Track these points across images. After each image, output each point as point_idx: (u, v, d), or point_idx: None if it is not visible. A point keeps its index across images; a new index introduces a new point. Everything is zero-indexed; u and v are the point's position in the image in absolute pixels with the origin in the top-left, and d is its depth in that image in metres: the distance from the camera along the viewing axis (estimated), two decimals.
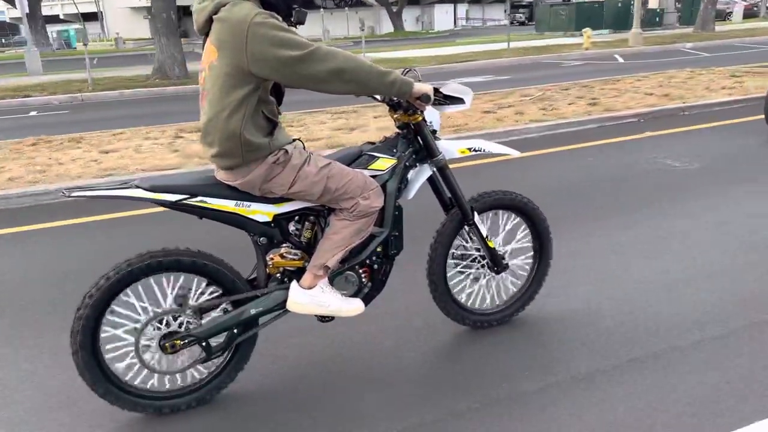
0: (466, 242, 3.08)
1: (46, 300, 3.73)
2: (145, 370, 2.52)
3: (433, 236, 2.97)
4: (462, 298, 3.18)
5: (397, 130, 2.81)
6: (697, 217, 4.62)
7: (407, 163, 2.75)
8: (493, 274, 3.12)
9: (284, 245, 2.61)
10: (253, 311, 2.56)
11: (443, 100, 2.71)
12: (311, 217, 2.63)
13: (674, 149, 6.66)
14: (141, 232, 4.88)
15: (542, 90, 10.84)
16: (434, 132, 2.82)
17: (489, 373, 2.80)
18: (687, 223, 4.52)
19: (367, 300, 2.77)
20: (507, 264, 3.11)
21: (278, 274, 2.63)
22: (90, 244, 4.71)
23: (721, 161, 6.12)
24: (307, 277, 2.55)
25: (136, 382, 2.57)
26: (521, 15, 51.94)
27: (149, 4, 16.50)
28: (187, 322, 2.49)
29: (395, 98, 2.65)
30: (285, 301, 2.59)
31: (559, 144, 7.20)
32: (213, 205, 2.40)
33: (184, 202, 2.36)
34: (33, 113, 12.50)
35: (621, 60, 17.42)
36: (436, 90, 2.67)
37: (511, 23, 52.42)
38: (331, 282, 2.65)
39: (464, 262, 3.11)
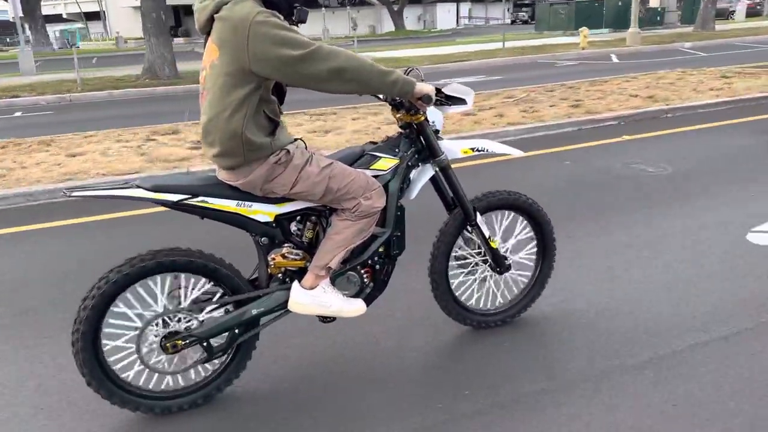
0: (469, 242, 3.06)
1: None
2: (147, 370, 2.52)
3: (436, 235, 2.96)
4: (464, 298, 3.17)
5: (400, 130, 2.80)
6: (658, 228, 4.47)
7: (410, 163, 2.75)
8: (496, 274, 3.11)
9: (286, 245, 2.60)
10: (254, 311, 2.55)
11: (445, 100, 2.71)
12: (313, 217, 2.62)
13: (651, 153, 6.50)
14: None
15: (527, 91, 10.66)
16: (437, 132, 2.81)
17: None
18: (649, 232, 4.38)
19: (368, 300, 2.76)
20: (509, 264, 3.10)
21: (280, 275, 2.62)
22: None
23: (697, 166, 5.95)
24: (308, 278, 2.54)
25: (137, 382, 2.56)
26: (524, 14, 51.76)
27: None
28: (188, 321, 2.48)
29: (397, 98, 2.63)
30: (286, 301, 2.58)
31: (536, 147, 7.04)
32: (214, 205, 2.39)
33: (186, 202, 2.35)
34: (18, 114, 12.41)
35: (616, 60, 17.22)
36: (438, 90, 2.66)
37: (513, 22, 52.48)
38: (333, 282, 2.64)
39: (466, 262, 3.09)
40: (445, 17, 50.97)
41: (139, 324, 2.45)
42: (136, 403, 2.50)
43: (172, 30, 48.55)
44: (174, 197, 2.34)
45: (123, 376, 2.52)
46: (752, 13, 35.96)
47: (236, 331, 2.55)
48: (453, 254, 3.02)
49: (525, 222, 3.18)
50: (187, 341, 2.46)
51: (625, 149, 6.77)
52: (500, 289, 3.28)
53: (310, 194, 2.44)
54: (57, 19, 51.68)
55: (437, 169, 2.84)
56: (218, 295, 2.55)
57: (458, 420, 2.49)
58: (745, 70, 12.06)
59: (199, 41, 38.88)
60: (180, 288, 2.49)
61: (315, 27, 36.82)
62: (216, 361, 2.62)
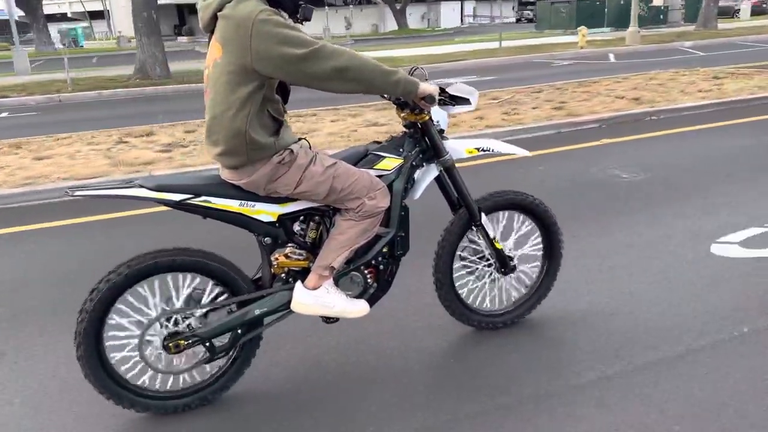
0: (473, 243, 3.03)
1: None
2: (149, 370, 2.51)
3: (441, 234, 2.93)
4: (468, 298, 3.13)
5: (404, 130, 2.77)
6: (620, 238, 4.29)
7: (414, 163, 2.72)
8: (501, 275, 3.08)
9: (289, 245, 2.59)
10: (257, 312, 2.54)
11: (449, 100, 2.69)
12: (316, 217, 2.59)
13: (628, 158, 6.30)
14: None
15: (513, 93, 10.47)
16: (441, 131, 2.78)
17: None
18: (610, 242, 4.21)
19: (372, 301, 2.74)
20: (514, 265, 3.07)
21: (283, 275, 2.61)
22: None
23: (672, 172, 5.75)
24: (311, 278, 2.52)
25: (139, 382, 2.56)
26: (529, 12, 51.42)
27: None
28: (191, 321, 2.47)
29: (401, 98, 2.61)
30: (289, 301, 2.56)
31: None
32: (217, 205, 2.37)
33: (188, 201, 2.34)
34: (4, 114, 12.35)
35: (612, 60, 16.97)
36: (442, 90, 2.65)
37: (519, 20, 52.17)
38: (336, 282, 2.62)
39: (471, 263, 3.06)
40: (449, 16, 50.71)
41: (143, 322, 2.44)
42: (140, 403, 2.50)
43: (175, 28, 48.85)
44: (177, 197, 2.32)
45: (127, 376, 2.52)
46: (758, 11, 35.46)
47: (239, 331, 2.54)
48: (458, 254, 2.99)
49: (531, 223, 3.14)
50: (190, 341, 2.45)
51: (603, 153, 6.58)
52: (506, 290, 3.25)
53: (313, 194, 2.42)
54: (62, 18, 51.86)
55: (442, 169, 2.81)
56: (221, 295, 2.53)
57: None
58: (739, 70, 11.81)
59: (202, 40, 38.88)
60: (183, 288, 2.48)
61: (317, 26, 36.68)
62: (219, 361, 2.61)
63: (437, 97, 2.51)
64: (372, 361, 2.92)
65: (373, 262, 2.68)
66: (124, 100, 13.92)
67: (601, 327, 3.13)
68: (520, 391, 2.64)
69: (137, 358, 2.46)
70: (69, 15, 53.68)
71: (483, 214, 2.91)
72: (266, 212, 2.45)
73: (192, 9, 47.31)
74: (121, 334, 2.49)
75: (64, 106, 13.56)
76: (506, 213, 3.09)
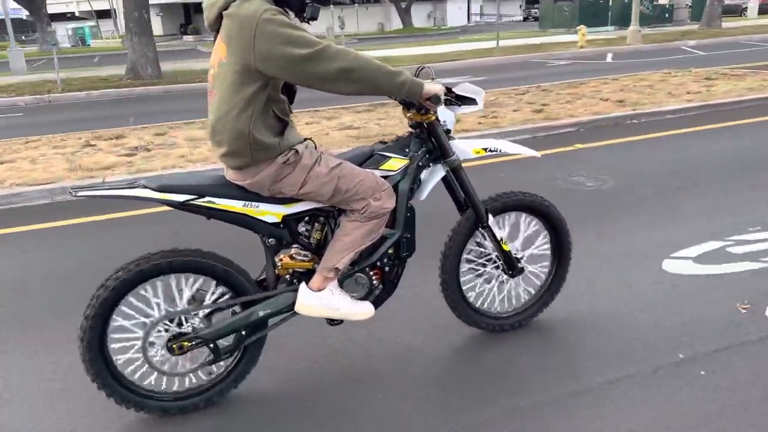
0: (481, 244, 3.01)
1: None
2: (154, 372, 2.50)
3: (448, 235, 2.89)
4: (475, 300, 3.12)
5: (410, 130, 2.75)
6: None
7: (420, 164, 2.69)
8: (508, 277, 3.05)
9: (294, 246, 2.57)
10: (261, 313, 2.53)
11: (455, 100, 2.64)
12: (321, 218, 2.57)
13: (598, 164, 6.08)
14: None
15: (497, 95, 10.24)
16: (448, 132, 2.76)
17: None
18: None
19: (377, 303, 2.72)
20: (522, 267, 3.04)
21: (287, 276, 2.59)
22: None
23: (640, 180, 5.54)
24: (316, 279, 2.51)
25: (142, 383, 2.55)
26: (536, 10, 50.93)
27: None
28: (194, 322, 2.46)
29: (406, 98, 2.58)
30: (294, 303, 2.54)
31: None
32: (221, 206, 2.36)
33: (192, 202, 2.33)
34: None
35: (610, 60, 16.67)
36: (448, 90, 2.62)
37: (526, 19, 51.70)
38: (341, 284, 2.60)
39: (478, 264, 3.04)
40: (455, 14, 50.34)
41: (147, 323, 2.43)
42: (143, 404, 2.49)
43: (181, 27, 48.90)
44: (180, 197, 2.31)
45: (130, 378, 2.52)
46: (766, 10, 34.87)
47: (243, 332, 2.53)
48: (464, 256, 2.96)
49: (540, 225, 3.10)
50: (194, 343, 2.44)
51: (573, 159, 6.35)
52: (513, 293, 3.22)
53: (318, 195, 2.40)
54: (70, 17, 52.06)
55: (448, 169, 2.78)
56: (225, 297, 2.51)
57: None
58: (734, 71, 11.52)
59: (207, 39, 38.85)
60: (186, 289, 2.47)
61: (320, 25, 36.47)
62: (223, 362, 2.60)
63: (443, 98, 2.48)
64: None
65: (378, 263, 2.66)
66: (112, 100, 13.82)
67: (536, 348, 2.96)
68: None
69: (141, 360, 2.46)
70: (77, 14, 53.88)
71: (490, 215, 2.88)
72: (270, 213, 2.43)
73: (198, 8, 47.32)
74: (125, 335, 2.49)
75: (52, 106, 13.48)
76: (514, 214, 3.06)
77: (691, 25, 27.62)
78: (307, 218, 2.56)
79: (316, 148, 2.47)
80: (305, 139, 2.46)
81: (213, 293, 2.50)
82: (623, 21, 27.99)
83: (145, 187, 2.30)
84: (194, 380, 2.64)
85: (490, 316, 3.09)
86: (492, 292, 3.17)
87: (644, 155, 6.37)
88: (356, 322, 2.74)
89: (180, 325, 2.45)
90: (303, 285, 2.53)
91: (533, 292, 3.23)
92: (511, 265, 3.00)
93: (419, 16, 46.97)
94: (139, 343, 2.44)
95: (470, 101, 2.66)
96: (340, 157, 2.53)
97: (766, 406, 2.51)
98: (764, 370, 2.74)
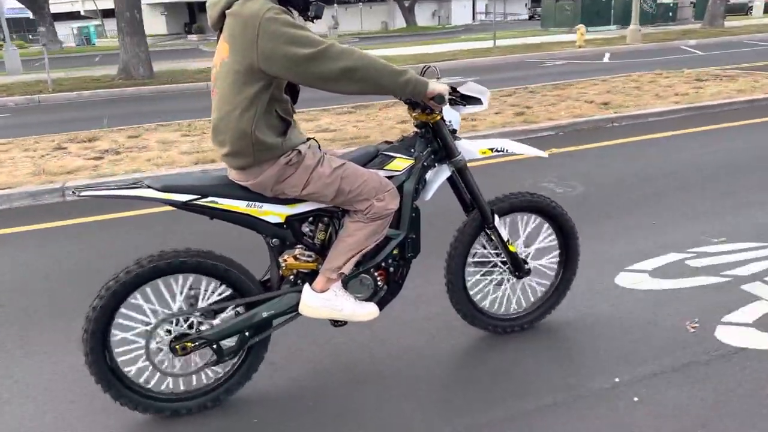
0: (487, 245, 2.98)
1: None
2: (157, 372, 2.49)
3: (454, 235, 2.87)
4: (481, 302, 3.08)
5: (416, 130, 2.72)
6: None
7: (425, 164, 2.66)
8: (514, 278, 3.02)
9: (298, 247, 2.56)
10: (265, 314, 2.51)
11: (460, 100, 2.63)
12: (325, 219, 2.55)
13: (570, 170, 5.91)
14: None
15: None
16: (453, 132, 2.73)
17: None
18: None
19: (382, 304, 2.69)
20: (529, 269, 3.01)
21: (291, 277, 2.58)
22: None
23: (610, 187, 5.37)
24: (319, 281, 2.49)
25: (146, 384, 2.54)
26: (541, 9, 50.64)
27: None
28: (198, 323, 2.45)
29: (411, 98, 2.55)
30: (298, 304, 2.53)
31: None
32: (224, 206, 2.35)
33: (195, 202, 2.32)
34: None
35: (606, 60, 16.43)
36: (453, 89, 2.60)
37: (531, 17, 51.38)
38: (346, 285, 2.58)
39: (484, 265, 3.01)
40: (460, 13, 50.15)
41: (150, 324, 2.42)
42: (146, 405, 2.48)
43: (186, 27, 48.93)
44: (183, 197, 2.30)
45: (134, 378, 2.51)
46: None
47: (246, 333, 2.51)
48: (470, 256, 2.93)
49: (547, 226, 3.07)
50: (197, 343, 2.43)
51: (546, 164, 6.17)
52: (520, 294, 3.21)
53: (321, 195, 2.38)
54: (76, 16, 52.23)
55: (454, 169, 2.75)
56: (229, 297, 2.50)
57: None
58: (726, 71, 11.28)
59: (211, 38, 38.86)
60: (190, 290, 2.46)
61: (322, 24, 36.39)
62: (227, 363, 2.59)
63: (447, 97, 2.45)
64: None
65: (383, 264, 2.63)
66: (102, 101, 13.75)
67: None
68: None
69: (144, 360, 2.45)
70: (82, 13, 54.04)
71: (496, 216, 2.85)
72: (274, 213, 2.42)
73: (202, 7, 47.36)
74: (128, 336, 2.48)
75: (41, 107, 13.42)
76: (522, 215, 3.04)
77: (694, 24, 27.29)
78: (310, 219, 2.53)
79: (319, 148, 2.45)
80: (308, 139, 2.43)
81: (216, 294, 2.49)
82: (626, 20, 27.66)
83: (149, 186, 2.29)
84: (198, 381, 2.64)
85: (496, 318, 3.07)
86: (498, 293, 3.15)
87: (620, 160, 6.19)
88: (360, 323, 2.74)
89: (183, 325, 2.44)
90: (307, 286, 2.51)
91: (540, 294, 3.20)
92: (518, 267, 2.98)
93: (424, 15, 46.81)
94: (142, 343, 2.44)
95: (475, 101, 2.63)
96: (344, 157, 2.52)
97: None
98: (704, 397, 2.57)
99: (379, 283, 2.65)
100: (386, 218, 2.48)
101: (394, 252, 2.64)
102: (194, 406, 2.56)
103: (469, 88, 2.65)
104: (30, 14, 47.92)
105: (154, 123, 9.00)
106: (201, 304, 2.46)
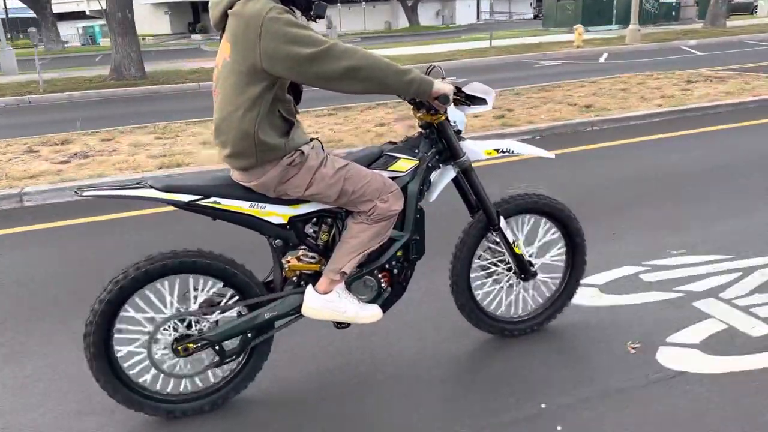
0: (492, 247, 2.96)
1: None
2: (160, 373, 2.48)
3: (459, 236, 2.85)
4: (486, 304, 3.05)
5: (420, 130, 2.70)
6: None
7: (430, 165, 2.65)
8: (520, 280, 2.99)
9: (301, 248, 2.55)
10: (267, 315, 2.50)
11: (465, 100, 2.60)
12: (328, 220, 2.54)
13: (539, 176, 5.74)
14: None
15: None
16: (459, 132, 2.71)
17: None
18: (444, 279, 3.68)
19: (386, 306, 2.68)
20: (535, 271, 2.99)
21: (295, 278, 2.57)
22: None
23: (577, 194, 5.20)
24: (322, 282, 2.48)
25: (147, 384, 2.53)
26: None
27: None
28: (200, 324, 2.44)
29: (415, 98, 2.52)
30: (300, 305, 2.51)
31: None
32: (226, 206, 2.34)
33: (197, 203, 2.31)
34: None
35: (602, 60, 16.22)
36: (458, 89, 2.58)
37: (536, 17, 51.04)
38: (349, 287, 2.57)
39: (489, 268, 2.99)
40: (464, 12, 49.83)
41: (150, 328, 2.40)
42: (149, 406, 2.48)
43: (189, 26, 48.95)
44: (186, 198, 2.29)
45: (136, 379, 2.50)
46: None
47: (249, 334, 2.50)
48: (475, 258, 2.92)
49: (554, 228, 3.05)
50: (199, 344, 2.42)
51: (514, 171, 6.02)
52: (525, 297, 3.15)
53: (324, 196, 2.37)
54: (82, 16, 52.38)
55: (459, 170, 2.73)
56: (231, 298, 2.49)
57: None
58: (718, 73, 11.06)
59: (214, 38, 38.85)
60: (192, 290, 2.45)
61: (322, 23, 36.25)
62: (229, 365, 2.58)
63: (452, 97, 2.42)
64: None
65: (386, 266, 2.62)
66: (92, 102, 13.67)
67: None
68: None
69: (146, 361, 2.44)
70: (87, 13, 54.18)
71: (502, 218, 2.82)
72: (277, 214, 2.41)
73: (206, 7, 47.08)
74: (129, 336, 2.46)
75: (31, 108, 13.36)
76: (527, 217, 3.02)
77: (696, 24, 26.96)
78: (314, 220, 2.52)
79: (323, 148, 2.43)
80: (312, 140, 2.41)
81: (219, 294, 2.50)
82: (628, 20, 27.35)
83: (151, 187, 2.28)
84: (200, 383, 2.64)
85: (502, 321, 3.04)
86: (503, 295, 3.11)
87: (592, 166, 6.02)
88: (364, 325, 2.75)
89: (185, 326, 2.42)
90: (309, 287, 2.49)
91: (547, 296, 3.16)
92: (524, 269, 2.95)
93: (428, 15, 46.59)
94: (144, 344, 2.42)
95: (480, 101, 2.60)
96: (348, 158, 2.50)
97: None
98: (635, 424, 2.42)
99: (382, 284, 2.64)
100: (390, 219, 2.46)
101: (398, 254, 2.63)
102: (196, 408, 2.56)
103: (473, 88, 2.62)
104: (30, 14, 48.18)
105: (131, 125, 8.88)
106: (202, 305, 2.45)
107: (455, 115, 2.69)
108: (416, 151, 2.62)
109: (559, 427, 2.43)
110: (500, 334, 3.05)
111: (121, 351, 2.44)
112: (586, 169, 5.93)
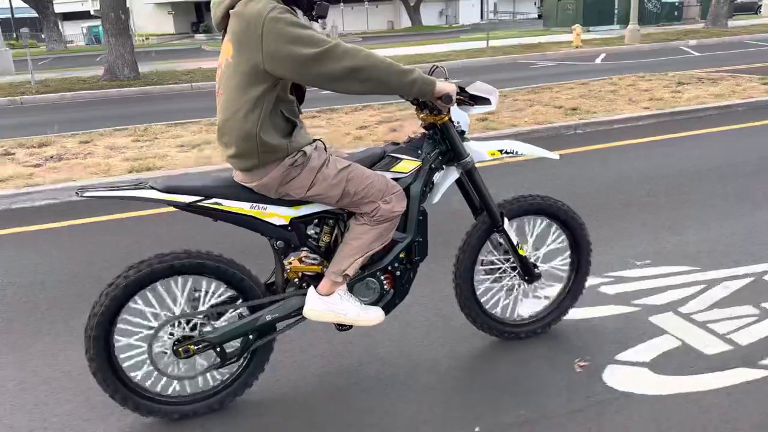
0: (496, 249, 2.94)
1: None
2: (160, 375, 2.48)
3: (462, 238, 2.83)
4: (491, 307, 3.03)
5: (423, 131, 2.67)
6: None
7: (433, 166, 2.62)
8: (524, 283, 2.97)
9: (303, 249, 2.53)
10: (269, 317, 2.48)
11: (468, 100, 2.58)
12: (330, 221, 2.52)
13: (514, 182, 5.61)
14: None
15: None
16: (462, 133, 2.69)
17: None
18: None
19: (388, 308, 2.65)
20: (539, 273, 2.97)
21: (296, 280, 2.56)
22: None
23: None
24: (324, 284, 2.46)
25: (148, 386, 2.53)
26: None
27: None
28: (201, 326, 2.43)
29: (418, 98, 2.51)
30: (302, 307, 2.50)
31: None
32: (227, 207, 2.33)
33: (198, 203, 2.30)
34: None
35: (599, 61, 16.04)
36: (461, 89, 2.56)
37: (540, 17, 50.72)
38: (351, 289, 2.55)
39: (493, 269, 2.97)
40: (468, 12, 49.64)
41: (153, 326, 2.40)
42: (150, 408, 2.46)
43: (193, 26, 48.99)
44: (187, 199, 2.28)
45: (136, 380, 2.49)
46: None
47: (250, 336, 2.49)
48: (479, 260, 2.89)
49: (558, 229, 3.03)
50: (200, 346, 2.41)
51: (488, 175, 5.84)
52: (529, 300, 3.15)
53: (326, 197, 2.35)
54: (86, 15, 52.53)
55: (462, 171, 2.71)
56: (233, 300, 2.49)
57: None
58: (711, 74, 10.88)
59: (217, 38, 38.75)
60: (192, 292, 2.44)
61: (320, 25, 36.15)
62: (230, 367, 2.56)
63: (455, 97, 2.40)
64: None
65: (389, 268, 2.60)
66: (84, 102, 13.64)
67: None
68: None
69: (147, 363, 2.43)
70: (92, 12, 54.33)
71: (506, 219, 2.80)
72: (278, 215, 2.39)
73: (209, 6, 47.33)
74: (130, 339, 2.45)
75: (22, 109, 13.33)
76: (531, 218, 3.00)
77: (698, 24, 26.71)
78: (316, 221, 2.50)
79: (325, 149, 2.41)
80: (315, 140, 2.39)
81: (221, 296, 2.47)
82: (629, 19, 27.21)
83: (152, 187, 2.27)
84: (202, 384, 2.61)
85: (505, 323, 3.02)
86: (509, 298, 3.08)
87: (568, 172, 5.88)
88: (366, 327, 2.74)
89: (186, 327, 2.41)
90: (311, 289, 2.47)
91: (552, 298, 3.15)
92: (528, 271, 2.92)
93: (431, 14, 46.45)
94: (144, 345, 2.41)
95: (484, 101, 2.58)
96: (351, 158, 2.48)
97: None
98: None
99: (385, 287, 2.61)
100: (393, 221, 2.44)
101: (401, 255, 2.61)
102: (197, 410, 2.54)
103: (477, 88, 2.59)
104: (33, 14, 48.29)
105: (111, 127, 8.80)
106: (203, 307, 2.43)
107: (459, 115, 2.66)
108: (419, 152, 2.60)
109: None
110: (503, 336, 3.02)
111: (120, 349, 2.44)
112: (559, 174, 5.78)
